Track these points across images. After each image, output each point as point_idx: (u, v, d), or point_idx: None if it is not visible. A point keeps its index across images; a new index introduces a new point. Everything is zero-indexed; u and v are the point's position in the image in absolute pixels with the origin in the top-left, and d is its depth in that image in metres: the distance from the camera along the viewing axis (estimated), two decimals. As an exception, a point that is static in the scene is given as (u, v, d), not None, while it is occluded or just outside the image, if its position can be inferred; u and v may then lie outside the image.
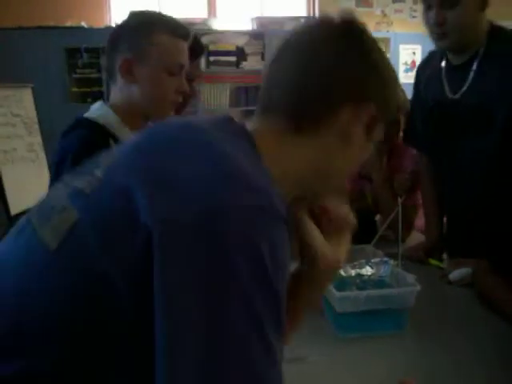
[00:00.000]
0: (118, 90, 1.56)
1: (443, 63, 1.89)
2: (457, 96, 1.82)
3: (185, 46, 1.54)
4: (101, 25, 5.44)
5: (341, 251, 0.91)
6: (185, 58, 1.55)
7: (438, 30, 1.72)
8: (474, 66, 1.77)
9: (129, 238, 0.68)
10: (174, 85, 1.54)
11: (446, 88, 1.86)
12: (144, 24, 1.51)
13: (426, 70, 2.03)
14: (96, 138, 1.44)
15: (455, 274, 1.75)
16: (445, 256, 2.04)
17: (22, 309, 0.72)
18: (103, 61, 1.62)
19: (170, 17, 1.55)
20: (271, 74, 0.88)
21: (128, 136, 1.46)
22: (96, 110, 1.56)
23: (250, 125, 0.87)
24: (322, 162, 0.86)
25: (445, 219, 2.12)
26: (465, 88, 1.79)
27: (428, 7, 1.73)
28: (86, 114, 1.55)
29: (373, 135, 0.89)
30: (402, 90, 2.23)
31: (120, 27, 1.55)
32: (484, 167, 1.80)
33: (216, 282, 0.65)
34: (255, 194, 0.70)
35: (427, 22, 1.75)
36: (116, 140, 1.47)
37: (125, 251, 0.68)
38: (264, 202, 0.70)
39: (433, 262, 1.98)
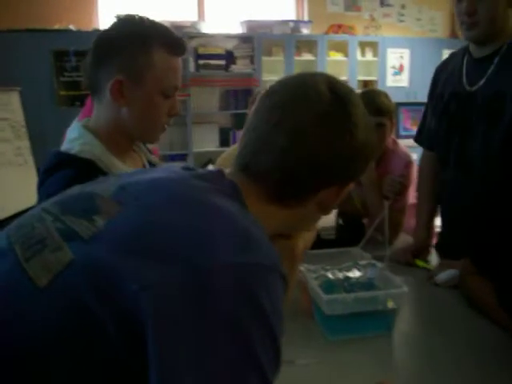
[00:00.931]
0: (104, 111, 1.40)
1: (465, 58, 1.96)
2: (474, 88, 1.88)
3: (180, 64, 1.41)
4: (89, 28, 5.42)
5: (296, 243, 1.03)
6: (180, 77, 1.41)
7: (469, 19, 1.79)
8: (496, 61, 1.83)
9: (120, 291, 0.68)
10: (167, 107, 1.40)
11: (464, 80, 1.92)
12: (139, 40, 1.33)
13: (445, 69, 2.09)
14: (85, 177, 1.19)
15: (442, 276, 1.77)
16: (432, 257, 2.05)
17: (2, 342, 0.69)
18: (84, 70, 1.38)
19: (165, 29, 1.38)
20: (259, 132, 0.91)
21: (116, 167, 1.36)
22: (76, 140, 1.38)
23: (232, 174, 0.92)
24: (297, 223, 0.98)
25: (440, 221, 2.15)
26: (483, 81, 1.85)
27: None
28: (67, 147, 1.37)
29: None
30: (387, 95, 2.27)
31: (109, 38, 1.35)
32: (488, 163, 1.83)
33: (220, 336, 0.67)
34: (256, 251, 0.74)
35: (458, 12, 1.83)
36: (105, 175, 1.29)
37: (116, 301, 0.68)
38: (264, 259, 0.74)
39: (420, 263, 1.99)
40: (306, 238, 1.06)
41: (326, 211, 0.97)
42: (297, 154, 0.87)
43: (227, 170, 0.94)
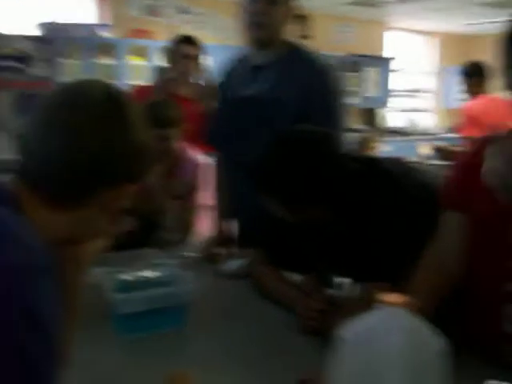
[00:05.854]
0: None
1: (247, 65, 2.13)
2: (254, 92, 2.05)
3: None
4: None
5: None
6: None
7: (259, 18, 1.97)
8: (273, 68, 2.04)
9: None
10: None
11: (246, 85, 2.09)
12: None
13: (229, 76, 2.24)
14: None
15: (230, 266, 1.90)
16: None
17: None
18: None
19: None
20: (34, 135, 0.91)
21: None
22: None
23: (11, 181, 0.91)
24: (84, 228, 0.96)
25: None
26: (262, 85, 2.04)
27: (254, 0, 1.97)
28: None
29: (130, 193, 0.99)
30: (174, 105, 2.36)
31: None
32: None
33: None
34: (25, 252, 0.76)
35: (250, 13, 1.99)
36: None
37: None
38: (33, 261, 0.76)
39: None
40: (96, 244, 1.07)
41: (111, 214, 0.97)
42: (69, 154, 0.87)
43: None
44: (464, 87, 4.80)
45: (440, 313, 1.22)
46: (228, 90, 2.22)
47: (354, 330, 0.96)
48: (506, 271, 1.26)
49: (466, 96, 4.85)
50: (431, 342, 0.91)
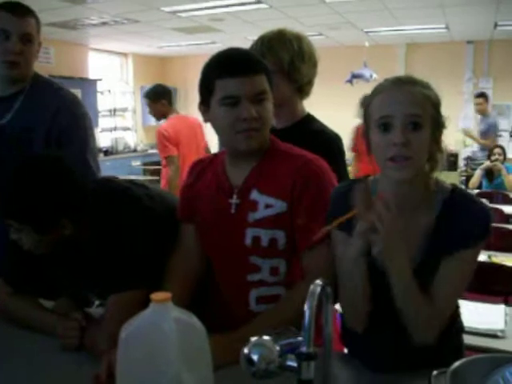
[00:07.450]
0: None
1: None
2: (2, 122, 2.08)
3: None
4: None
5: None
6: None
7: (14, 58, 2.03)
8: (20, 98, 2.10)
9: None
10: None
11: None
12: None
13: None
14: None
15: None
16: None
17: None
18: None
19: None
20: None
21: None
22: None
23: None
24: None
25: None
26: (10, 116, 2.08)
27: None
28: None
29: None
30: None
31: None
32: None
33: None
34: None
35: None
36: None
37: None
38: None
39: None
40: None
41: None
42: None
43: None
44: (150, 109, 4.80)
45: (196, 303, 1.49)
46: None
47: (129, 329, 1.08)
48: (247, 265, 1.56)
49: (154, 117, 4.87)
50: (194, 324, 1.10)
